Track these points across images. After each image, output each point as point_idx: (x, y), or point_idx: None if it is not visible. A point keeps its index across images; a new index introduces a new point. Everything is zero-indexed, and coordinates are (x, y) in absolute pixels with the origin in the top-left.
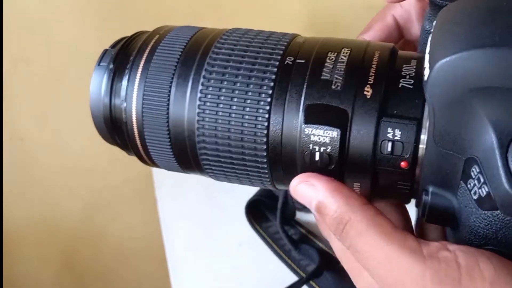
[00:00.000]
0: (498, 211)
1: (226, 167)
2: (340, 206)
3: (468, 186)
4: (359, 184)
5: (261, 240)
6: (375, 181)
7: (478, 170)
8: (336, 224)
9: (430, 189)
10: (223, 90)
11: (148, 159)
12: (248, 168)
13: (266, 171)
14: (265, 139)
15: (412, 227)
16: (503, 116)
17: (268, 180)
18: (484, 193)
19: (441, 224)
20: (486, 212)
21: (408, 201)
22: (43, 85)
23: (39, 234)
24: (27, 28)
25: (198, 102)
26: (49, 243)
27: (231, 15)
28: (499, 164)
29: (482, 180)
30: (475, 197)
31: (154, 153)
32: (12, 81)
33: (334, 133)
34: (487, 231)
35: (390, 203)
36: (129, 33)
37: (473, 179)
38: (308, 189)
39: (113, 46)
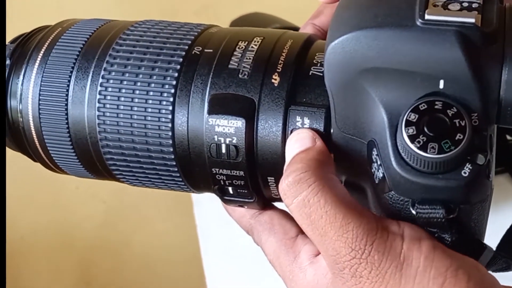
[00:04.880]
0: (393, 192)
1: (135, 169)
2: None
3: (373, 170)
4: (273, 178)
5: None
6: None
7: (376, 153)
8: (298, 179)
9: (343, 178)
10: (125, 82)
11: (53, 166)
12: (157, 167)
13: (176, 169)
14: (170, 133)
15: None
16: (392, 96)
17: (181, 180)
18: (381, 175)
19: None
20: (385, 195)
21: None
22: None
23: (50, 243)
24: None
25: (98, 96)
26: (62, 253)
27: None
28: (389, 143)
29: (379, 162)
30: (376, 181)
31: (58, 159)
32: None
33: (239, 122)
34: (390, 215)
35: None
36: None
37: (374, 162)
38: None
39: (13, 41)
